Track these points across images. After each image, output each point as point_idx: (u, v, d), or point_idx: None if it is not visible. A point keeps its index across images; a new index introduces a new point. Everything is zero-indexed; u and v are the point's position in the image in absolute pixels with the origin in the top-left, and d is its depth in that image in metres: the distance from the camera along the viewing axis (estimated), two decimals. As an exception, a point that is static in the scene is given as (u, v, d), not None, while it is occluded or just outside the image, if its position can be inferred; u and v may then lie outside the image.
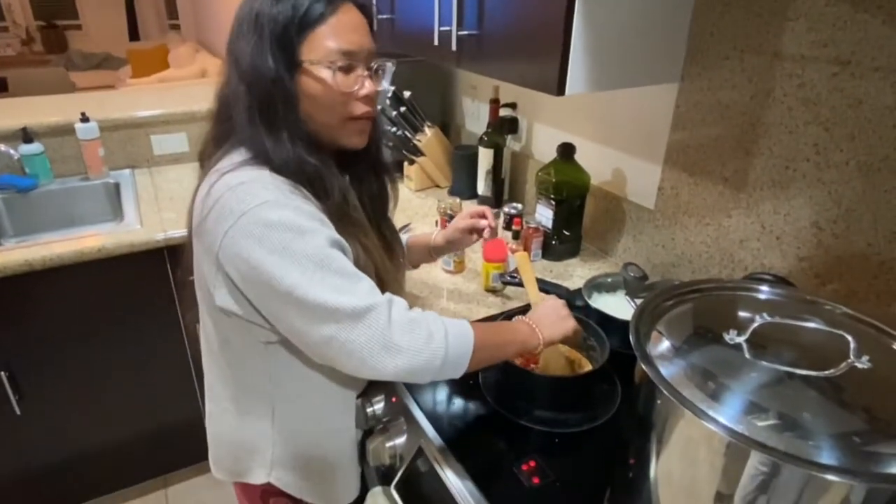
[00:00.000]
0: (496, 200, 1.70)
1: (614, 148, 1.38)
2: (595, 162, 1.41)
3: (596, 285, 1.19)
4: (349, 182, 0.90)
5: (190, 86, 3.26)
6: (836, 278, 0.96)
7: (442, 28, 1.18)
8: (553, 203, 1.37)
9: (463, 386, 0.98)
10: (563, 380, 0.96)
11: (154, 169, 2.06)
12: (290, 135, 0.76)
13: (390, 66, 0.84)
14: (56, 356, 1.61)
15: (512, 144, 1.75)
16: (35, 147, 1.82)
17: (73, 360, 1.63)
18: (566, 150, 1.35)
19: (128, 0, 7.07)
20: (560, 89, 0.95)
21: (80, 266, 1.51)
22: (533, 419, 0.91)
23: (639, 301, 0.70)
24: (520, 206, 1.40)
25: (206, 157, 0.83)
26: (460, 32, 1.13)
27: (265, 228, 0.70)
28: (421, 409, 0.93)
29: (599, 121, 1.41)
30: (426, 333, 0.74)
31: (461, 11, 1.12)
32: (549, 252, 1.42)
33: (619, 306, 1.13)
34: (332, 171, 0.81)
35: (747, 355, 0.58)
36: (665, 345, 0.62)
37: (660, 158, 1.24)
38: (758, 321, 0.60)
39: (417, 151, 1.83)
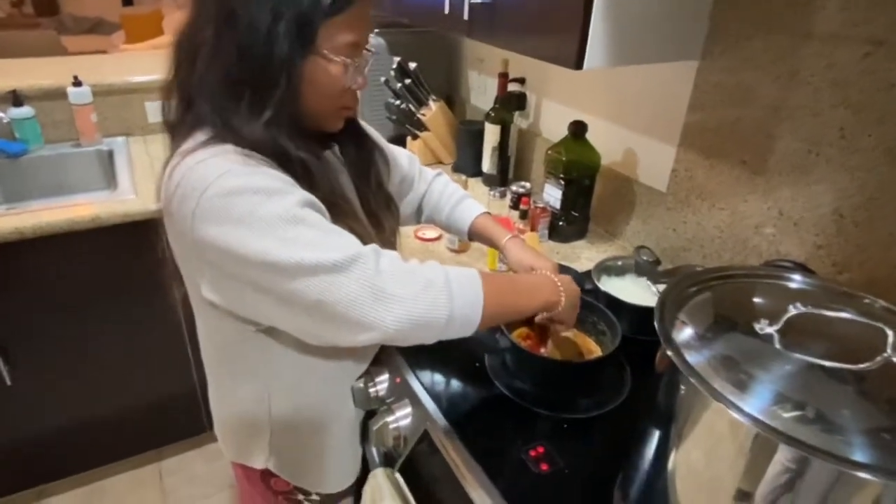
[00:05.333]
0: (502, 178, 1.67)
1: (626, 127, 1.34)
2: (605, 141, 1.37)
3: (605, 268, 1.16)
4: (338, 150, 0.87)
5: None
6: (854, 267, 0.94)
7: (454, -5, 1.13)
8: (562, 183, 1.34)
9: (470, 369, 0.96)
10: (572, 365, 0.94)
11: (149, 137, 2.00)
12: (273, 118, 0.69)
13: (372, 58, 0.79)
14: (48, 326, 1.57)
15: (519, 121, 1.70)
16: (25, 111, 1.75)
17: (65, 331, 1.60)
18: (578, 129, 1.31)
19: (121, -38, 6.84)
20: (579, 63, 0.91)
21: (73, 235, 1.47)
22: (541, 404, 0.89)
23: (660, 286, 0.67)
24: (528, 185, 1.37)
25: (172, 123, 0.76)
26: (472, 0, 1.08)
27: (228, 197, 0.64)
28: (426, 390, 0.91)
29: (612, 99, 1.37)
30: (423, 280, 0.67)
31: (474, -22, 1.07)
32: (555, 233, 1.39)
33: (628, 290, 1.11)
34: (323, 163, 0.75)
35: (777, 346, 0.55)
36: (688, 333, 0.60)
37: (675, 140, 1.20)
38: (791, 311, 0.57)
39: (421, 126, 1.78)
